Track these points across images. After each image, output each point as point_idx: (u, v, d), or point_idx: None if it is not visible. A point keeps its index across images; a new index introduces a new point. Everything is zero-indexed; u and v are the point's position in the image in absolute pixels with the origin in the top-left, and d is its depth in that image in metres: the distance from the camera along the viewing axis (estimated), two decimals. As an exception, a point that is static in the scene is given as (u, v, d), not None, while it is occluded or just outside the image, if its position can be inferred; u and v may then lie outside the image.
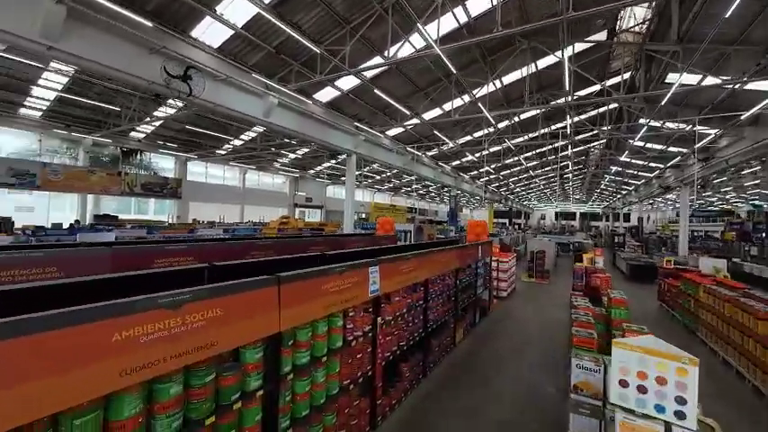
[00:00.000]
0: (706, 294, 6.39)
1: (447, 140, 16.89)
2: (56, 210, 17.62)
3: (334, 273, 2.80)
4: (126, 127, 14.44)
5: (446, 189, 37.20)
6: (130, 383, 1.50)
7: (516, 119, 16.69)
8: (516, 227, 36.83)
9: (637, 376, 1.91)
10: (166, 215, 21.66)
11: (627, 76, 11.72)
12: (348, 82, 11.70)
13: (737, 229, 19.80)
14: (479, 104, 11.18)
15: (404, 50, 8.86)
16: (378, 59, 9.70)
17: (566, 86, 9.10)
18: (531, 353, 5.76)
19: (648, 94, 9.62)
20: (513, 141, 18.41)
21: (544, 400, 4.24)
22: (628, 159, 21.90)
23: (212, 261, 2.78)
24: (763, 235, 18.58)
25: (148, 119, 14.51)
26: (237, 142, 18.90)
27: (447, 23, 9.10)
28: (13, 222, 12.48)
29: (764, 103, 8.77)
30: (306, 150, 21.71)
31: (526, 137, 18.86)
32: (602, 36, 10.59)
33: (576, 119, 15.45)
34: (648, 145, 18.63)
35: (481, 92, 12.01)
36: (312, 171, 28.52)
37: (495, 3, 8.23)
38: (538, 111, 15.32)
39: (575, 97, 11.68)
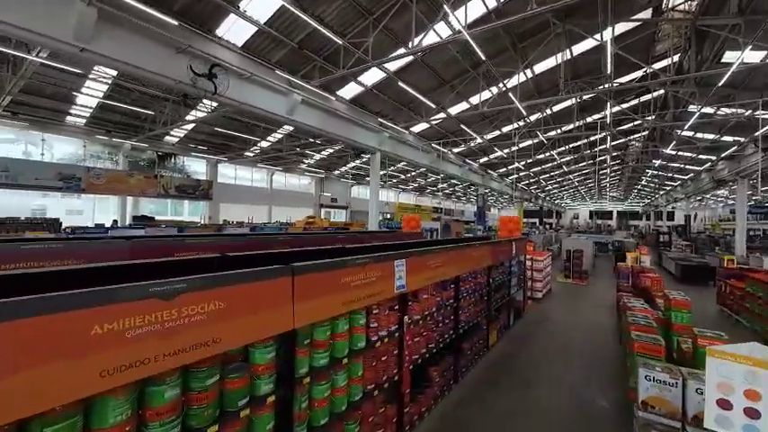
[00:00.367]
0: (783, 297, 5.55)
1: (475, 135, 16.26)
2: (101, 212, 18.72)
3: (356, 265, 2.51)
4: (160, 131, 15.05)
5: (473, 189, 36.27)
6: (114, 385, 1.27)
7: (548, 111, 15.79)
8: (547, 226, 35.20)
9: (745, 396, 1.47)
10: (199, 216, 22.46)
11: (675, 58, 10.68)
12: (371, 77, 11.48)
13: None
14: (510, 95, 10.58)
15: (428, 40, 8.50)
16: (402, 51, 9.39)
17: (608, 69, 8.35)
18: (574, 360, 5.19)
19: (705, 74, 8.65)
20: (545, 135, 17.44)
21: (597, 415, 3.72)
22: (673, 152, 20.17)
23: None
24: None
25: (180, 123, 15.03)
26: (264, 144, 19.24)
27: (475, 10, 8.64)
28: (61, 223, 13.29)
29: None
30: (330, 151, 21.77)
31: (559, 130, 17.84)
32: (646, 14, 9.69)
33: (615, 108, 14.36)
34: (698, 135, 17.04)
35: (511, 82, 11.39)
36: (337, 172, 28.64)
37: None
38: (573, 100, 14.37)
39: (615, 84, 10.77)
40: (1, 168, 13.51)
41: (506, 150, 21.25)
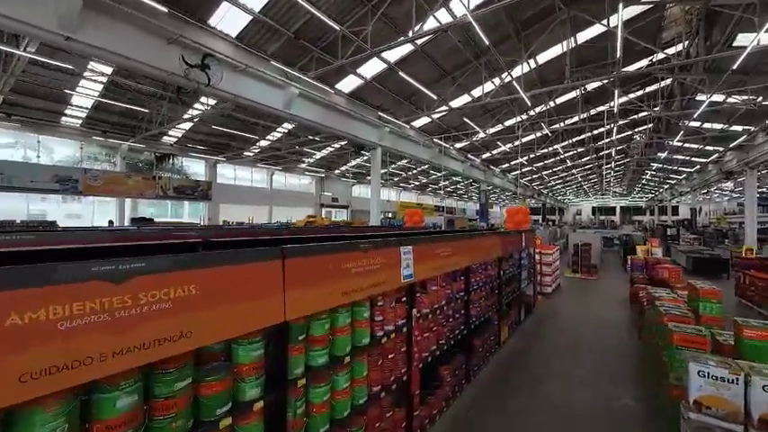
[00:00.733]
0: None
1: (477, 129, 15.93)
2: (100, 215, 18.45)
3: (357, 249, 2.20)
4: (157, 130, 14.78)
5: (474, 186, 35.94)
6: (41, 393, 0.97)
7: (552, 103, 15.44)
8: (551, 223, 34.86)
9: None
10: (199, 217, 22.20)
11: (684, 44, 10.32)
12: (371, 69, 11.16)
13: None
14: (515, 83, 10.26)
15: (429, 27, 8.18)
16: (402, 39, 9.09)
17: (617, 54, 8.01)
18: (592, 355, 4.86)
19: (717, 56, 8.30)
20: (550, 128, 17.07)
21: (622, 415, 3.40)
22: (680, 143, 19.76)
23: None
24: None
25: (178, 121, 14.75)
26: (263, 143, 18.95)
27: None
28: (57, 226, 13.03)
29: None
30: (330, 149, 21.47)
31: (562, 124, 17.48)
32: (655, -3, 9.32)
33: (622, 99, 13.98)
34: (706, 125, 16.64)
35: (515, 72, 11.06)
36: (337, 171, 28.34)
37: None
38: (578, 91, 14.04)
39: (622, 72, 10.42)
40: (-5, 171, 13.27)
41: (509, 145, 20.92)
